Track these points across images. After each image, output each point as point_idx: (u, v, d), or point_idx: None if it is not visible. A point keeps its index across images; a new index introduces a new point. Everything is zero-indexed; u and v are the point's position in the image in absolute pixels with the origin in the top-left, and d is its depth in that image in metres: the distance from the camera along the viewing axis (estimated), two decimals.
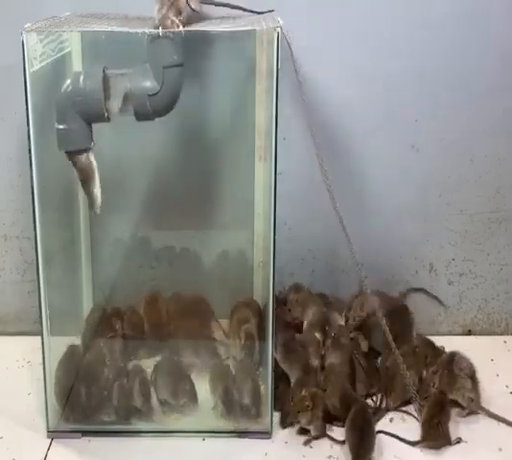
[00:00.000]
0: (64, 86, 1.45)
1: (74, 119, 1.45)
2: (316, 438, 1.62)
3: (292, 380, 1.71)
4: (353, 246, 1.68)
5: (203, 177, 1.92)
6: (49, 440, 1.64)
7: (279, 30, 1.41)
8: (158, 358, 1.80)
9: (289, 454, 1.60)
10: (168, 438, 1.64)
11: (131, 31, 1.43)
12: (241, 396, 1.67)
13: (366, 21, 1.83)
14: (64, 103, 1.44)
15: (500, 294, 2.07)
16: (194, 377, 1.75)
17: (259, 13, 1.59)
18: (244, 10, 1.63)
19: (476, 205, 1.99)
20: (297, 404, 1.61)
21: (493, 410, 1.74)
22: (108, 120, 1.46)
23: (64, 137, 1.47)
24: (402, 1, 1.83)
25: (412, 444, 1.62)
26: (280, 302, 1.89)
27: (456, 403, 1.71)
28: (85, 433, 1.64)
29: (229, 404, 1.67)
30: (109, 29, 1.46)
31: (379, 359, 1.85)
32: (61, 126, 1.45)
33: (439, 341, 1.92)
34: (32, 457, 1.58)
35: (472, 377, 1.73)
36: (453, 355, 1.78)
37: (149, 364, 1.79)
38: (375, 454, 1.58)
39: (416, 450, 1.61)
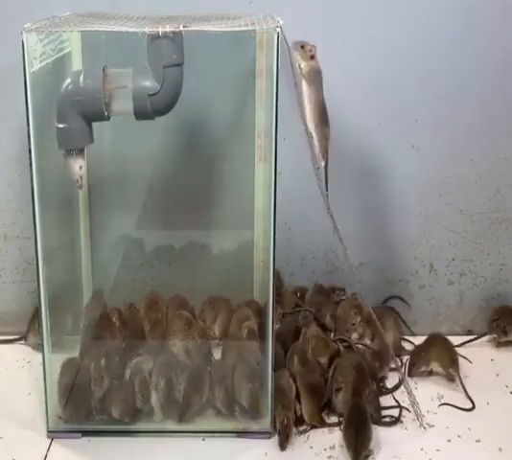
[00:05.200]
0: (64, 85, 1.45)
1: (74, 118, 1.45)
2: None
3: None
4: (347, 250, 1.68)
5: (203, 177, 1.92)
6: (49, 440, 1.64)
7: (279, 30, 1.41)
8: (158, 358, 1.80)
9: (288, 454, 1.60)
10: (168, 438, 1.64)
11: (131, 31, 1.43)
12: (241, 395, 1.67)
13: (366, 21, 1.83)
14: (64, 102, 1.44)
15: (500, 294, 2.07)
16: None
17: None
18: None
19: (476, 205, 1.99)
20: None
21: (493, 410, 1.74)
22: (108, 119, 1.46)
23: (64, 136, 1.47)
24: (402, 1, 1.83)
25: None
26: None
27: None
28: (85, 433, 1.64)
29: (229, 404, 1.67)
30: (109, 29, 1.46)
31: None
32: (61, 125, 1.45)
33: None
34: (32, 457, 1.58)
35: None
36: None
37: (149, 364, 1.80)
38: (374, 453, 1.58)
39: (416, 450, 1.61)
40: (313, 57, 1.64)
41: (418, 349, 1.88)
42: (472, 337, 2.00)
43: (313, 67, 1.64)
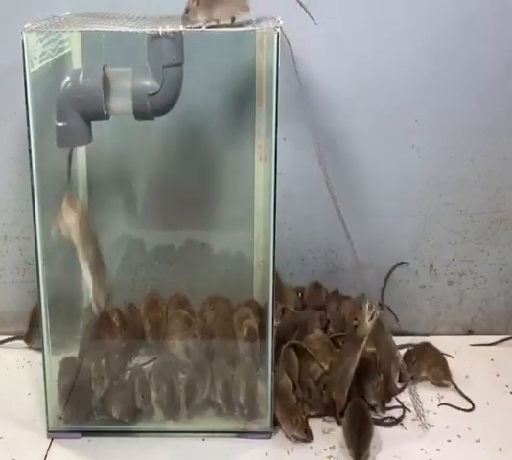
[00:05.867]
0: (64, 83, 1.45)
1: (73, 116, 1.45)
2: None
3: None
4: (353, 245, 1.67)
5: (203, 177, 1.92)
6: (49, 440, 1.64)
7: (279, 30, 1.41)
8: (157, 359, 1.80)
9: (288, 454, 1.60)
10: (168, 438, 1.64)
11: (131, 31, 1.43)
12: (241, 395, 1.67)
13: (367, 21, 1.83)
14: (64, 100, 1.44)
15: (500, 294, 2.07)
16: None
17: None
18: None
19: (476, 205, 1.99)
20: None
21: (493, 410, 1.74)
22: (107, 117, 1.46)
23: (63, 134, 1.47)
24: (402, 2, 1.83)
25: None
26: None
27: None
28: (85, 433, 1.64)
29: (229, 404, 1.67)
30: (109, 29, 1.46)
31: None
32: (61, 123, 1.46)
33: (439, 341, 1.92)
34: (32, 457, 1.58)
35: None
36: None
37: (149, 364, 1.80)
38: (374, 453, 1.58)
39: (416, 450, 1.61)
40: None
41: (410, 358, 1.86)
42: (505, 337, 2.02)
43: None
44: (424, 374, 1.83)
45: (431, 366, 1.83)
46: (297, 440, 1.62)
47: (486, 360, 1.93)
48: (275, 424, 1.64)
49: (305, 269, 2.03)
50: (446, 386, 1.81)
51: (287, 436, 1.63)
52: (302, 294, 2.00)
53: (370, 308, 1.67)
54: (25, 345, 1.97)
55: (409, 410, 1.72)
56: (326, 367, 1.76)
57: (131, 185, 1.93)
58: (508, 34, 1.85)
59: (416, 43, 1.85)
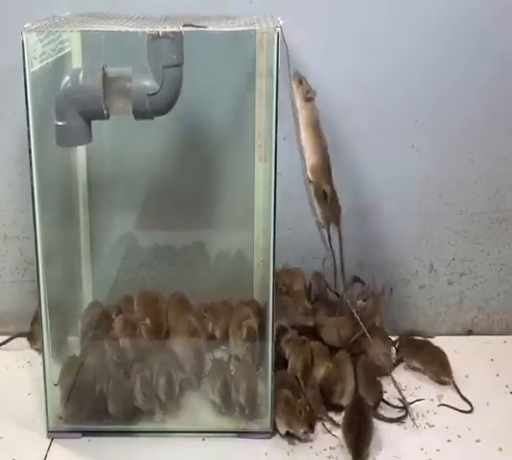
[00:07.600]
0: (63, 83, 1.45)
1: (73, 116, 1.45)
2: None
3: None
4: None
5: (203, 177, 1.92)
6: (49, 440, 1.64)
7: (279, 30, 1.41)
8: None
9: (288, 454, 1.59)
10: (168, 438, 1.64)
11: (131, 30, 1.43)
12: (240, 395, 1.66)
13: (366, 21, 1.83)
14: (63, 99, 1.44)
15: (500, 294, 2.07)
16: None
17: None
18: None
19: (476, 205, 1.99)
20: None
21: (493, 410, 1.74)
22: (107, 117, 1.46)
23: (63, 134, 1.47)
24: (402, 1, 1.83)
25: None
26: None
27: None
28: (85, 433, 1.64)
29: (229, 403, 1.67)
30: (109, 29, 1.46)
31: None
32: (60, 123, 1.45)
33: (439, 341, 1.93)
34: (32, 457, 1.58)
35: None
36: None
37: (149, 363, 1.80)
38: (374, 453, 1.58)
39: (416, 450, 1.61)
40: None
41: (409, 352, 1.88)
42: None
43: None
44: (417, 365, 1.85)
45: (429, 361, 1.84)
46: (299, 434, 1.61)
47: (486, 360, 1.93)
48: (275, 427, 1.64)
49: (305, 269, 2.02)
50: (447, 384, 1.81)
51: (288, 434, 1.62)
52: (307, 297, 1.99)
53: (301, 83, 1.62)
54: (25, 345, 1.97)
55: (410, 412, 1.72)
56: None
57: (131, 185, 1.93)
58: (509, 34, 1.85)
59: (417, 43, 1.85)
